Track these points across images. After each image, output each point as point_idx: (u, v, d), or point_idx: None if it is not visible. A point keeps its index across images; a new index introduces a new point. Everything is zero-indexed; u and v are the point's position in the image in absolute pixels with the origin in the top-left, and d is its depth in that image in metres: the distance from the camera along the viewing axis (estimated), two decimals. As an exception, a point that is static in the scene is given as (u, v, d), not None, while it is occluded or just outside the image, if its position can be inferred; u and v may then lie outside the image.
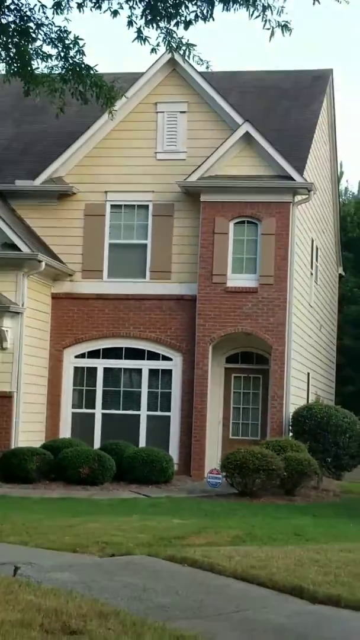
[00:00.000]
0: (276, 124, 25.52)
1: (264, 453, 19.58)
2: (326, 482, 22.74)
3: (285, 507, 18.66)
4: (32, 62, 11.03)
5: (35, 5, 10.57)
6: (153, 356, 23.76)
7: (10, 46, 10.72)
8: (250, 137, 23.21)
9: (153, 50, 10.51)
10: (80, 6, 10.26)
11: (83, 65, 10.93)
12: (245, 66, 57.39)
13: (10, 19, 10.56)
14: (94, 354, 24.09)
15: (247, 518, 15.99)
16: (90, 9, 10.25)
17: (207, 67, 10.94)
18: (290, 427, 22.90)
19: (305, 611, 8.70)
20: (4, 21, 10.51)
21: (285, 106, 27.06)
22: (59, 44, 10.78)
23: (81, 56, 10.90)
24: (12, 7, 10.48)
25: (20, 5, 10.49)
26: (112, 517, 15.32)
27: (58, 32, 10.71)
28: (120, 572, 9.95)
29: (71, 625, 7.18)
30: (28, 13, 10.54)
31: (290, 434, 22.78)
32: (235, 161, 23.40)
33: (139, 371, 23.90)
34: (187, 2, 9.77)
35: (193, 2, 9.78)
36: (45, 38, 10.73)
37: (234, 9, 9.76)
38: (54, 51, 10.90)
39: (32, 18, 10.57)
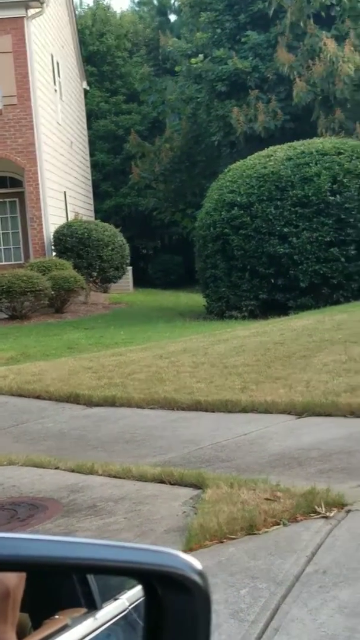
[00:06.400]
0: None
1: (29, 275, 19.65)
2: (94, 296, 23.25)
3: (57, 325, 19.01)
4: None
5: None
6: None
7: None
8: None
9: None
10: None
11: None
12: None
13: None
14: None
15: (19, 339, 16.20)
16: None
17: None
18: (53, 247, 23.00)
19: (82, 415, 9.08)
20: None
21: None
22: None
23: None
24: None
25: None
26: None
27: None
28: None
29: None
30: None
31: (54, 253, 22.90)
32: None
33: None
34: None
35: None
36: None
37: None
38: None
39: None
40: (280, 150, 19.38)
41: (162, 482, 6.06)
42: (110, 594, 1.60)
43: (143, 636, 1.25)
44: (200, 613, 1.20)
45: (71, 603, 1.54)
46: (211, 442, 7.33)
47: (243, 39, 28.00)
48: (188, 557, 1.19)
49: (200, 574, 1.18)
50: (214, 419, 8.25)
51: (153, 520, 5.25)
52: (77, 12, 36.38)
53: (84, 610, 1.54)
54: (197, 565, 1.19)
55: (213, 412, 8.52)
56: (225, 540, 4.82)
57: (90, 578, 1.57)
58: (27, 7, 22.38)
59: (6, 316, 19.99)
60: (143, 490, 5.93)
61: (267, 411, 8.24)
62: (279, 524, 4.97)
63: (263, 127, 26.22)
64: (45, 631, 1.41)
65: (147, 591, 1.24)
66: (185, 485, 5.94)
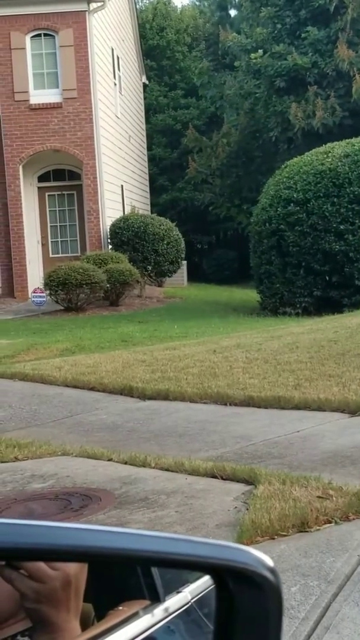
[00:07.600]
0: None
1: (85, 267, 19.79)
2: (149, 290, 23.33)
3: (111, 318, 19.11)
4: None
5: None
6: None
7: None
8: None
9: None
10: None
11: None
12: None
13: None
14: None
15: (74, 331, 16.32)
16: None
17: None
18: (109, 240, 23.13)
19: (135, 408, 9.12)
20: None
21: None
22: None
23: None
24: None
25: None
26: None
27: None
28: None
29: None
30: None
31: (110, 246, 23.03)
32: (24, -29, 22.35)
33: None
34: None
35: None
36: None
37: None
38: None
39: None
40: (338, 147, 19.26)
41: (214, 476, 6.08)
42: (173, 587, 1.62)
43: (214, 631, 1.27)
44: (271, 609, 1.21)
45: (135, 595, 1.56)
46: (263, 438, 7.34)
47: (303, 35, 27.86)
48: (260, 554, 1.20)
49: (272, 570, 1.19)
50: (267, 415, 8.24)
51: (205, 515, 5.28)
52: (137, 6, 36.50)
53: (147, 602, 1.56)
54: (269, 561, 1.20)
55: (265, 408, 8.51)
56: (276, 537, 4.83)
57: (154, 570, 1.60)
58: (89, 1, 22.51)
59: (62, 308, 20.16)
60: (195, 484, 5.95)
61: (320, 409, 8.21)
62: (330, 522, 4.97)
63: (321, 124, 26.07)
64: (109, 622, 1.44)
65: (218, 586, 1.25)
66: (237, 481, 5.95)
